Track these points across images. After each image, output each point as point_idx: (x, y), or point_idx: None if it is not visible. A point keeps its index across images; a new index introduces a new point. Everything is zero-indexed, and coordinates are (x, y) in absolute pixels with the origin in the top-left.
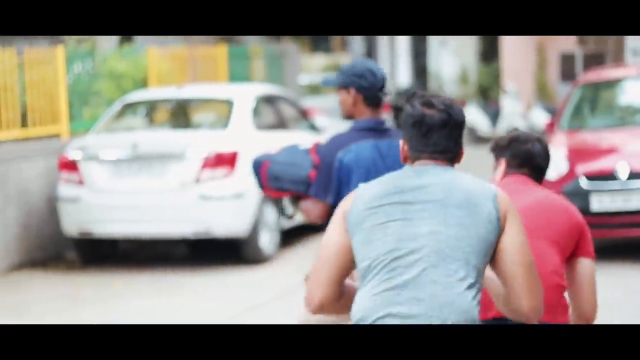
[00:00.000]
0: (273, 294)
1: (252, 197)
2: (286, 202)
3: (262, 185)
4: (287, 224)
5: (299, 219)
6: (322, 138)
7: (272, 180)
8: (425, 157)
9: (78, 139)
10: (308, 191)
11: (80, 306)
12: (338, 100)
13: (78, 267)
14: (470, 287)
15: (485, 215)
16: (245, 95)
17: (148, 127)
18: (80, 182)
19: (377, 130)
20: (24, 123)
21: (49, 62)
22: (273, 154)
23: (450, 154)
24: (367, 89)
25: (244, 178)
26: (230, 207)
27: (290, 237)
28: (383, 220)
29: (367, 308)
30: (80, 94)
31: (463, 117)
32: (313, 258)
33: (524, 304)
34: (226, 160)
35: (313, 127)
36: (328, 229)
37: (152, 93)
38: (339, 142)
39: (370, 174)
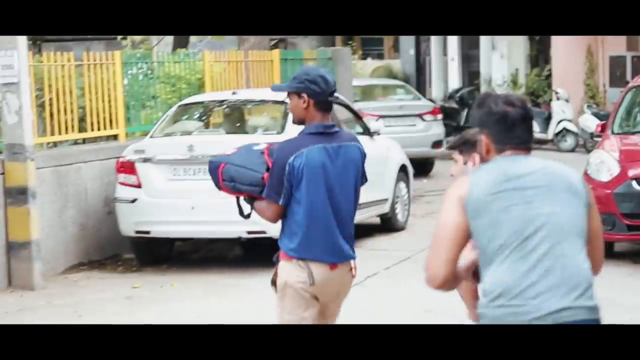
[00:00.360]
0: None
1: None
2: (242, 202)
3: (218, 185)
4: None
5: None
6: (377, 140)
7: (228, 181)
8: (509, 149)
9: (135, 141)
10: (262, 193)
11: (136, 306)
12: (290, 106)
13: (135, 267)
14: (585, 257)
15: (582, 198)
16: None
17: (204, 130)
18: (137, 184)
19: (326, 133)
20: (82, 126)
21: (106, 66)
22: (229, 154)
23: (529, 144)
24: (320, 94)
25: None
26: None
27: None
28: (506, 204)
29: (507, 282)
30: (137, 97)
31: (532, 112)
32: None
33: (597, 268)
34: None
35: (367, 130)
36: (443, 213)
37: (207, 96)
38: (291, 146)
39: (320, 177)
